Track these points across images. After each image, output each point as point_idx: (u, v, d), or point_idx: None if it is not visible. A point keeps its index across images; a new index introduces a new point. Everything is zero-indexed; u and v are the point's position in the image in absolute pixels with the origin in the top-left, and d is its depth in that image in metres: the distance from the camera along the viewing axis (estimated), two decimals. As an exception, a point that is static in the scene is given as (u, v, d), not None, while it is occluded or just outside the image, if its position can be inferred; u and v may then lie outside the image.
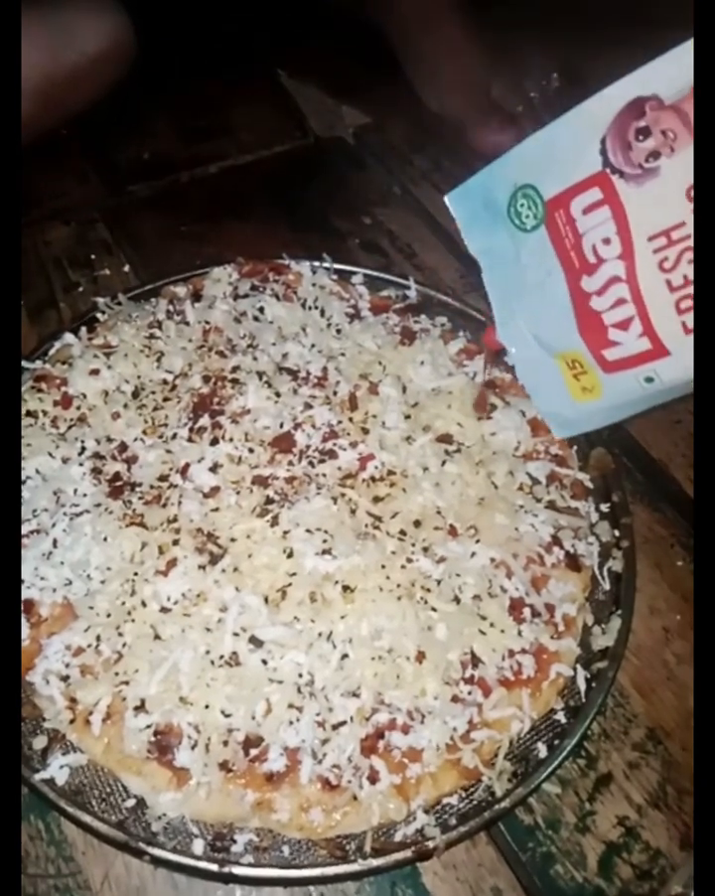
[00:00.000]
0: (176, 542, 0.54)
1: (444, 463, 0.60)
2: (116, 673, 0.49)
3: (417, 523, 0.57)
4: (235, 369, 0.64)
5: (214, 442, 0.59)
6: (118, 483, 0.58)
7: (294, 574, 0.53)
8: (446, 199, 0.49)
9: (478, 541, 0.56)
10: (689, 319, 0.40)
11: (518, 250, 0.46)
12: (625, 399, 0.47)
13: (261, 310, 0.70)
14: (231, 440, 0.60)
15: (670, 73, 0.37)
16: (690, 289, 0.40)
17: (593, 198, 0.41)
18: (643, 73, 0.38)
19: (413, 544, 0.55)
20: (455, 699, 0.50)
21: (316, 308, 0.70)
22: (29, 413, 0.62)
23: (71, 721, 0.49)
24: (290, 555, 0.54)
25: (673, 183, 0.38)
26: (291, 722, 0.48)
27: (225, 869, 0.45)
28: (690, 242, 0.39)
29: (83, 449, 0.60)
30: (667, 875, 0.49)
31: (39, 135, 0.88)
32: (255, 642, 0.50)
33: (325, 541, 0.54)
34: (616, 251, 0.41)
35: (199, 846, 0.46)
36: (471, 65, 0.93)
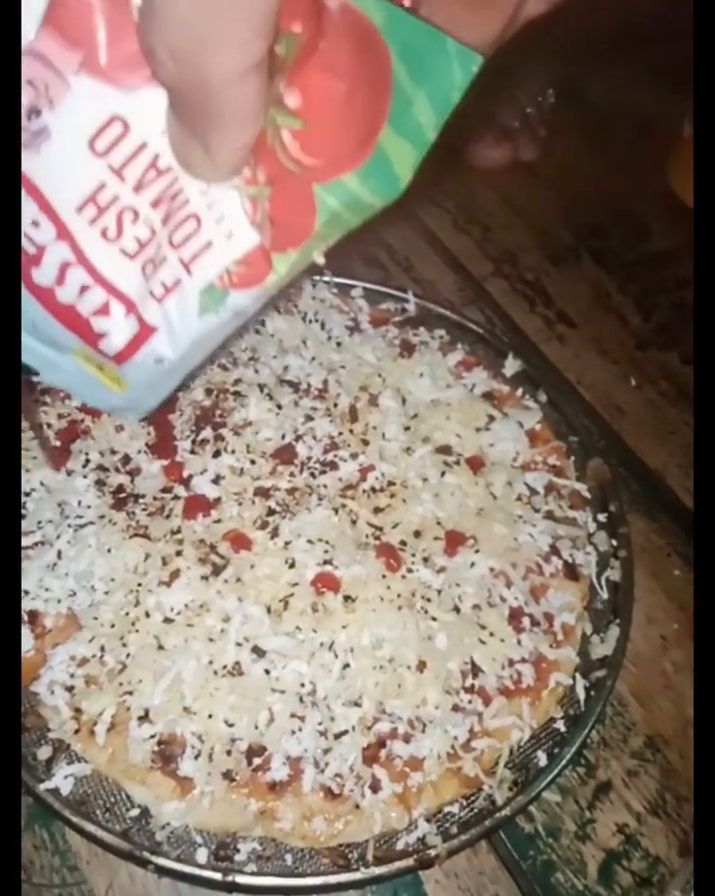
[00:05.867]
0: (179, 553, 0.55)
1: (443, 474, 0.61)
2: (120, 684, 0.50)
3: (417, 534, 0.58)
4: (237, 381, 0.65)
5: (217, 454, 0.60)
6: (122, 495, 0.59)
7: (296, 584, 0.54)
8: None
9: (477, 551, 0.57)
10: (157, 285, 0.34)
11: None
12: (154, 380, 0.40)
13: (262, 323, 0.70)
14: (233, 452, 0.60)
15: None
16: (150, 252, 0.34)
17: None
18: None
19: (413, 555, 0.56)
20: (455, 708, 0.51)
21: (316, 321, 0.71)
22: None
23: (76, 731, 0.49)
24: (292, 566, 0.54)
25: (70, 140, 0.31)
26: (293, 732, 0.49)
27: (229, 878, 0.46)
28: (128, 201, 0.32)
29: (87, 462, 0.60)
30: (667, 882, 0.49)
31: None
32: (258, 651, 0.51)
33: (326, 552, 0.55)
34: (50, 233, 0.34)
35: (202, 855, 0.47)
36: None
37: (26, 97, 0.30)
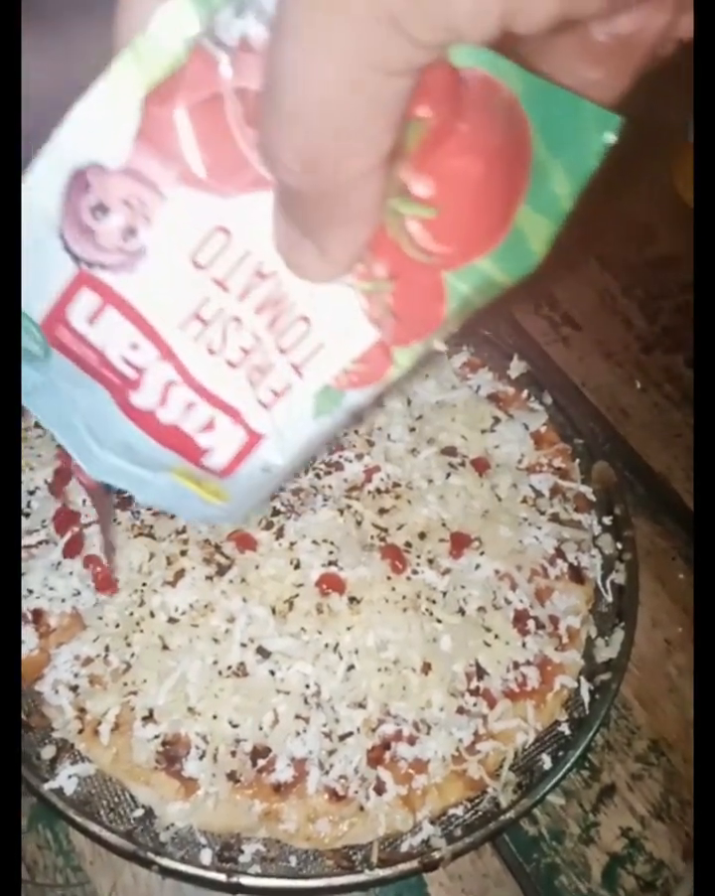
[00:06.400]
0: (184, 553, 0.55)
1: (448, 475, 0.60)
2: (125, 684, 0.50)
3: (422, 536, 0.58)
4: (242, 381, 0.65)
5: (222, 454, 0.60)
6: (126, 494, 0.58)
7: (301, 585, 0.54)
8: None
9: (482, 554, 0.57)
10: (264, 392, 0.33)
11: (50, 378, 0.36)
12: (257, 488, 0.38)
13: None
14: (239, 452, 0.60)
15: (94, 132, 0.28)
16: (255, 359, 0.32)
17: (91, 304, 0.32)
18: (62, 139, 0.28)
19: (418, 556, 0.56)
20: (460, 711, 0.51)
21: (321, 321, 0.71)
22: (38, 424, 0.62)
23: (80, 731, 0.49)
24: (297, 567, 0.54)
25: (171, 256, 0.30)
26: (298, 733, 0.49)
27: (233, 879, 0.46)
28: (232, 311, 0.31)
29: (92, 460, 0.60)
30: (671, 886, 0.49)
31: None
32: (263, 652, 0.51)
33: (331, 553, 0.55)
34: (152, 355, 0.32)
35: (206, 856, 0.47)
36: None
37: (122, 218, 0.29)
